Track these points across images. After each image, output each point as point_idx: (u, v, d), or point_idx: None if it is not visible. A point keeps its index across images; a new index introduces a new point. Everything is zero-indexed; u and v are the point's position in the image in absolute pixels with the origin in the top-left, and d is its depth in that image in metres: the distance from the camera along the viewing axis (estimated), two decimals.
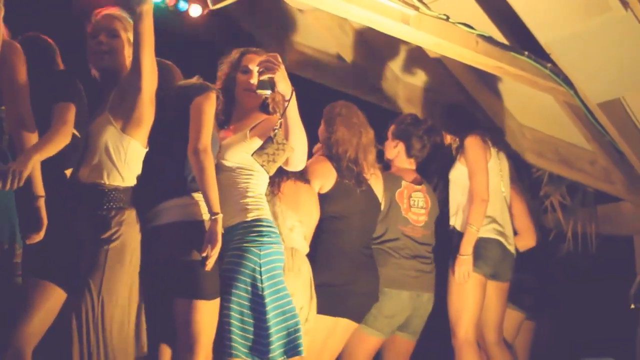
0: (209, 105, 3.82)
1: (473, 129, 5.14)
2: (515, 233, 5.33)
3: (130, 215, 3.66)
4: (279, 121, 3.83)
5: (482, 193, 4.93)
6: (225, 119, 4.21)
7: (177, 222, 3.73)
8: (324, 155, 4.68)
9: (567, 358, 6.85)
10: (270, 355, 3.78)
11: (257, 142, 3.94)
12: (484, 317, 5.06)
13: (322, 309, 4.38)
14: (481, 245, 4.97)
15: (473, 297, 4.93)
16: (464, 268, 4.86)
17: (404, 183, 4.99)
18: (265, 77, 3.81)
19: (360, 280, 4.57)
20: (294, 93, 3.84)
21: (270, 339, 3.78)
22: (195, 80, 3.97)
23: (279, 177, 4.28)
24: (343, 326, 4.55)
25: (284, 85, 3.83)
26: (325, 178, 4.60)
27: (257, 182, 3.99)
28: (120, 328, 3.56)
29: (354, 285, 4.52)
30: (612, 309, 6.89)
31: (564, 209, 6.10)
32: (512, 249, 5.11)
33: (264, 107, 4.13)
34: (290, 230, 4.34)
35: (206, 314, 3.70)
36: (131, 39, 3.75)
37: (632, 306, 1.83)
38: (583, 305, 7.00)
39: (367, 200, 4.71)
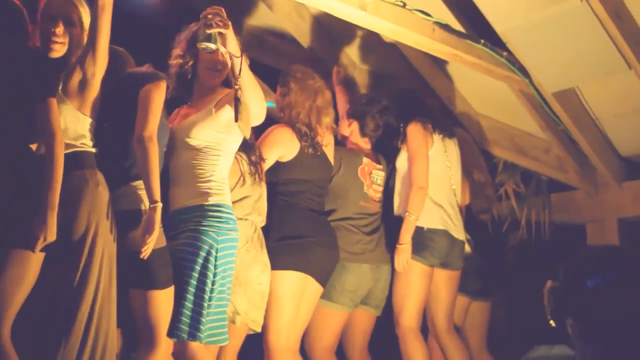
0: (158, 94, 3.77)
1: (415, 115, 5.14)
2: None
3: None
4: (239, 79, 3.77)
5: (420, 180, 4.94)
6: (187, 97, 4.19)
7: (124, 210, 3.70)
8: (285, 124, 4.66)
9: (522, 345, 6.92)
10: (201, 338, 3.80)
11: (223, 117, 3.93)
12: (434, 305, 5.08)
13: (288, 265, 4.41)
14: (428, 237, 4.99)
15: (417, 286, 4.94)
16: (402, 257, 4.88)
17: (365, 160, 5.03)
18: (212, 30, 3.65)
19: (322, 235, 4.58)
20: (244, 55, 3.77)
21: (206, 325, 3.80)
22: (146, 68, 3.94)
23: (259, 161, 4.34)
24: (312, 289, 4.54)
25: (234, 45, 3.74)
26: (286, 147, 4.58)
27: (223, 166, 3.98)
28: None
29: (317, 238, 4.53)
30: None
31: (518, 197, 6.14)
32: (460, 236, 5.12)
33: (227, 81, 4.10)
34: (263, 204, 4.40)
35: (162, 303, 3.69)
36: (87, 25, 3.73)
37: (552, 323, 1.74)
38: (537, 293, 7.06)
39: (322, 166, 4.71)
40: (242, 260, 4.14)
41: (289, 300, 4.41)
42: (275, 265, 4.36)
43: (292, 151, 4.58)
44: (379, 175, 5.07)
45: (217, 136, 3.94)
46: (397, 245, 4.91)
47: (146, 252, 3.58)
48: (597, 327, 1.74)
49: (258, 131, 4.39)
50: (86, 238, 3.50)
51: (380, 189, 5.05)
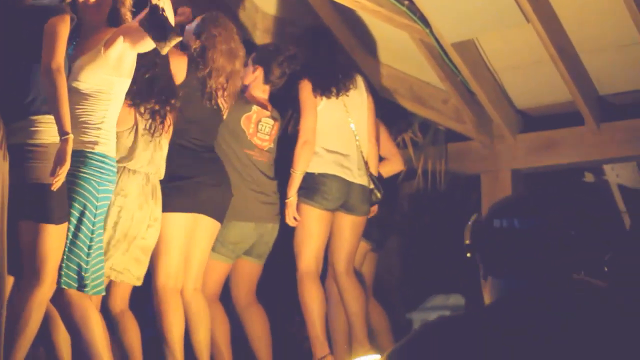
0: (64, 27, 3.69)
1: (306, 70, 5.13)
2: (382, 159, 5.44)
3: None
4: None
5: (305, 134, 4.96)
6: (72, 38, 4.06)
7: (21, 143, 3.65)
8: (184, 52, 4.59)
9: (417, 294, 7.03)
10: (86, 287, 3.80)
11: (113, 57, 3.86)
12: (336, 249, 5.13)
13: (174, 207, 4.38)
14: (319, 181, 5.01)
15: (312, 231, 4.99)
16: (289, 211, 4.96)
17: (254, 108, 4.99)
18: None
19: (208, 173, 4.55)
20: None
21: (88, 273, 3.79)
22: (48, 1, 3.83)
23: (164, 112, 4.29)
24: (204, 225, 4.53)
25: None
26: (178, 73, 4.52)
27: (113, 111, 3.92)
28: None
29: (202, 177, 4.50)
30: (460, 246, 7.09)
31: (415, 145, 6.19)
32: (361, 181, 5.13)
33: (113, 19, 3.99)
34: (163, 159, 4.35)
35: (54, 239, 3.66)
36: None
37: (469, 255, 1.89)
38: (432, 242, 7.18)
39: (211, 110, 4.66)
40: (133, 218, 4.13)
41: (177, 243, 4.40)
42: (164, 207, 4.33)
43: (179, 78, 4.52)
44: (267, 123, 5.02)
45: (107, 79, 3.87)
46: (285, 200, 4.95)
47: (57, 184, 3.55)
48: (501, 266, 1.89)
49: None
50: None
51: (268, 137, 5.02)
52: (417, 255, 7.13)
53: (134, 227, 4.16)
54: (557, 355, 1.66)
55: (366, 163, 5.19)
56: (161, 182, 4.35)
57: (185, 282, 4.49)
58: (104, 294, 3.95)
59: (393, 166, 5.55)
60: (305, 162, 4.96)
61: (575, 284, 1.83)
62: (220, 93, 4.59)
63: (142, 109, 4.25)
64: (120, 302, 4.32)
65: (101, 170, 3.82)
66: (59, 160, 3.55)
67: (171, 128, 4.39)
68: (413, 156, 6.10)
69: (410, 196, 6.37)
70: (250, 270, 5.07)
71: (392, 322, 5.96)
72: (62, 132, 3.56)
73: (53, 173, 3.54)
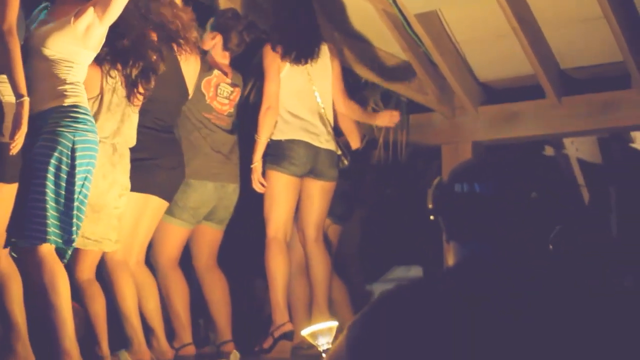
0: None
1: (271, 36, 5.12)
2: (341, 134, 5.45)
3: None
4: None
5: (268, 99, 4.97)
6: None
7: None
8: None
9: (378, 266, 7.06)
10: (73, 241, 3.83)
11: (81, 28, 3.85)
12: (305, 214, 5.18)
13: (131, 187, 4.38)
14: (287, 147, 5.03)
15: (280, 197, 5.02)
16: (254, 176, 4.97)
17: (215, 72, 5.01)
18: None
19: (165, 156, 4.58)
20: None
21: (73, 227, 3.81)
22: None
23: (139, 83, 4.26)
24: (154, 205, 4.56)
25: None
26: None
27: (77, 73, 3.92)
28: None
29: (160, 160, 4.53)
30: (421, 218, 7.13)
31: None
32: (328, 146, 5.16)
33: None
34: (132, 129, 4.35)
35: (4, 197, 3.69)
36: None
37: (432, 217, 1.94)
38: (393, 214, 7.20)
39: (173, 86, 4.66)
40: (97, 187, 4.10)
41: (127, 218, 4.42)
42: None
43: None
44: (227, 88, 5.03)
45: (73, 49, 3.87)
46: (251, 166, 4.97)
47: (15, 148, 3.56)
48: (462, 230, 1.90)
49: None
50: None
51: (227, 102, 5.03)
52: (377, 226, 7.16)
53: (100, 197, 4.15)
54: (517, 321, 1.67)
55: (334, 129, 5.20)
56: None
57: (129, 256, 4.51)
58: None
59: (351, 143, 5.52)
60: (268, 128, 4.96)
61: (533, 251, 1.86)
62: (179, 42, 4.55)
63: (118, 73, 4.22)
64: (88, 270, 4.33)
65: (76, 120, 3.82)
66: (16, 124, 3.54)
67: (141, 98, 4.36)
68: (375, 127, 6.10)
69: (371, 167, 6.38)
70: (210, 236, 5.10)
71: (352, 293, 5.99)
72: (17, 95, 3.56)
73: (12, 136, 3.54)
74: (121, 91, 4.27)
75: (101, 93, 4.22)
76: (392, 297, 1.80)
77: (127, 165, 4.31)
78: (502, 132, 5.95)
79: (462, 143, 6.00)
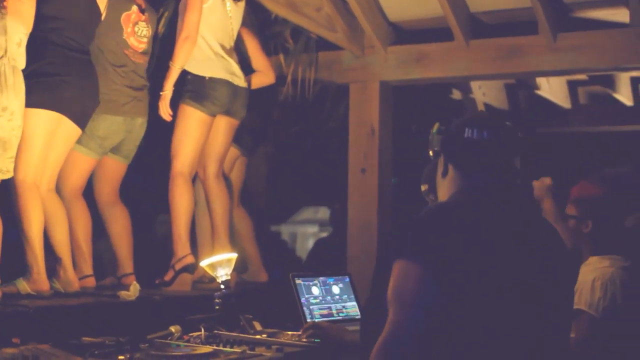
0: None
1: None
2: (253, 71, 5.43)
3: None
4: None
5: (188, 29, 4.87)
6: None
7: None
8: None
9: (285, 204, 7.08)
10: None
11: None
12: (210, 151, 5.17)
13: (38, 103, 4.28)
14: (210, 86, 4.99)
15: (195, 134, 4.99)
16: (162, 103, 4.90)
17: (134, 7, 4.93)
18: None
19: (76, 75, 4.44)
20: None
21: None
22: None
23: None
24: (66, 128, 4.44)
25: None
26: None
27: None
28: None
29: (69, 77, 4.39)
30: (329, 156, 7.15)
31: (286, 52, 6.15)
32: (243, 83, 5.14)
33: None
34: (18, 45, 4.13)
35: None
36: None
37: (431, 154, 2.80)
38: (300, 152, 7.22)
39: (83, 4, 4.53)
40: None
41: (38, 140, 4.32)
42: (27, 103, 4.20)
43: None
44: (144, 27, 4.96)
45: None
46: (160, 93, 4.89)
47: None
48: (468, 166, 2.58)
49: None
50: None
51: (145, 40, 4.97)
52: (285, 164, 7.17)
53: None
54: (508, 227, 2.44)
55: (249, 67, 5.23)
56: (25, 77, 4.18)
57: (39, 180, 4.41)
58: None
59: (263, 78, 5.52)
60: (184, 57, 4.89)
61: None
62: None
63: None
64: None
65: None
66: None
67: (28, 15, 4.20)
68: (283, 63, 6.07)
69: (279, 104, 6.36)
70: (115, 169, 5.06)
71: (258, 229, 6.01)
72: None
73: None
74: None
75: None
76: (438, 211, 2.48)
77: (10, 85, 4.08)
78: (410, 72, 5.97)
79: (370, 82, 6.02)
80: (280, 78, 6.04)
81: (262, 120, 5.81)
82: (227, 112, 5.12)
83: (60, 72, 4.37)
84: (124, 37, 4.87)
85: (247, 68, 5.34)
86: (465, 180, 2.56)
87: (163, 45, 5.37)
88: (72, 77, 4.40)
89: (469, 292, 2.29)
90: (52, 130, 4.38)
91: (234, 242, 5.32)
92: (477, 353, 2.30)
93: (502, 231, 2.42)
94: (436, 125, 2.63)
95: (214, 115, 5.05)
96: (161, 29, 5.61)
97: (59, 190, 4.68)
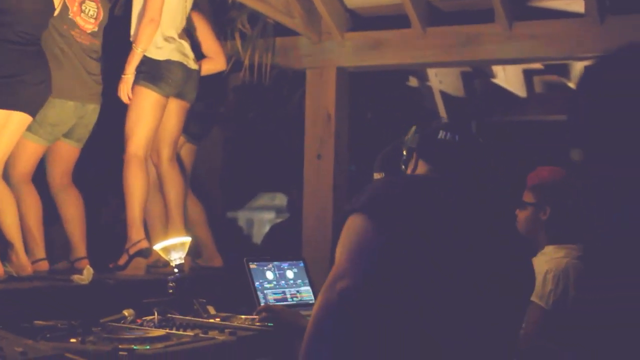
0: None
1: None
2: (204, 56, 5.40)
3: None
4: None
5: (152, 11, 4.86)
6: None
7: None
8: None
9: (240, 191, 7.06)
10: None
11: None
12: (163, 135, 5.16)
13: None
14: (165, 67, 4.98)
15: (150, 116, 4.97)
16: (123, 87, 4.90)
17: None
18: None
19: (32, 71, 4.42)
20: None
21: None
22: None
23: None
24: (17, 119, 4.41)
25: None
26: None
27: None
28: None
29: (26, 75, 4.37)
30: (285, 142, 7.15)
31: (243, 37, 6.13)
32: (194, 66, 5.14)
33: None
34: None
35: None
36: None
37: (405, 153, 3.10)
38: (256, 138, 7.20)
39: (44, 2, 4.52)
40: None
41: None
42: None
43: None
44: (92, 7, 4.92)
45: None
46: (122, 75, 4.88)
47: None
48: (437, 160, 2.87)
49: None
50: None
51: (93, 21, 4.92)
52: (242, 150, 7.15)
53: None
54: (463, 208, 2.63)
55: (201, 53, 5.22)
56: None
57: None
58: None
59: (215, 65, 5.50)
60: (148, 40, 4.87)
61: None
62: None
63: None
64: None
65: None
66: None
67: None
68: (240, 48, 6.04)
69: (236, 89, 6.33)
70: (67, 153, 5.02)
71: (214, 215, 5.99)
72: None
73: None
74: None
75: None
76: (400, 178, 2.86)
77: None
78: (367, 59, 5.97)
79: (326, 68, 6.01)
80: (237, 63, 6.02)
81: (208, 107, 5.78)
82: (179, 95, 5.11)
83: (15, 72, 4.35)
84: (70, 17, 4.80)
85: (197, 53, 5.32)
86: (434, 173, 2.84)
87: (119, 28, 5.32)
88: (28, 75, 4.39)
89: (411, 254, 2.45)
90: (4, 123, 4.37)
91: (187, 228, 5.30)
92: (412, 318, 2.43)
93: (457, 212, 2.59)
94: (413, 128, 2.96)
95: (167, 96, 5.03)
96: (117, 11, 5.55)
97: (7, 176, 4.65)
